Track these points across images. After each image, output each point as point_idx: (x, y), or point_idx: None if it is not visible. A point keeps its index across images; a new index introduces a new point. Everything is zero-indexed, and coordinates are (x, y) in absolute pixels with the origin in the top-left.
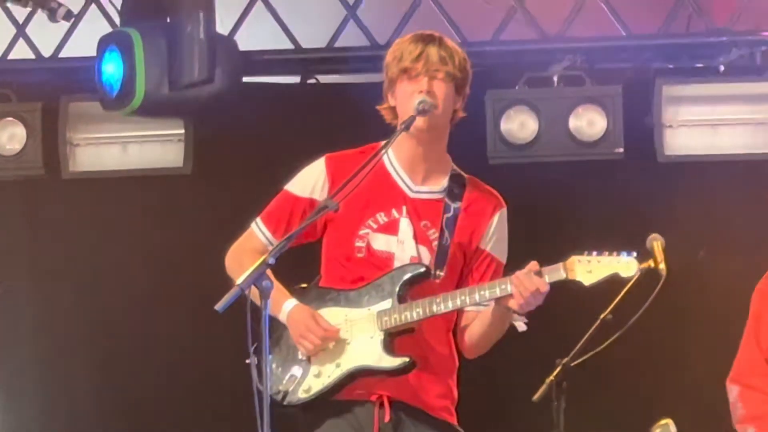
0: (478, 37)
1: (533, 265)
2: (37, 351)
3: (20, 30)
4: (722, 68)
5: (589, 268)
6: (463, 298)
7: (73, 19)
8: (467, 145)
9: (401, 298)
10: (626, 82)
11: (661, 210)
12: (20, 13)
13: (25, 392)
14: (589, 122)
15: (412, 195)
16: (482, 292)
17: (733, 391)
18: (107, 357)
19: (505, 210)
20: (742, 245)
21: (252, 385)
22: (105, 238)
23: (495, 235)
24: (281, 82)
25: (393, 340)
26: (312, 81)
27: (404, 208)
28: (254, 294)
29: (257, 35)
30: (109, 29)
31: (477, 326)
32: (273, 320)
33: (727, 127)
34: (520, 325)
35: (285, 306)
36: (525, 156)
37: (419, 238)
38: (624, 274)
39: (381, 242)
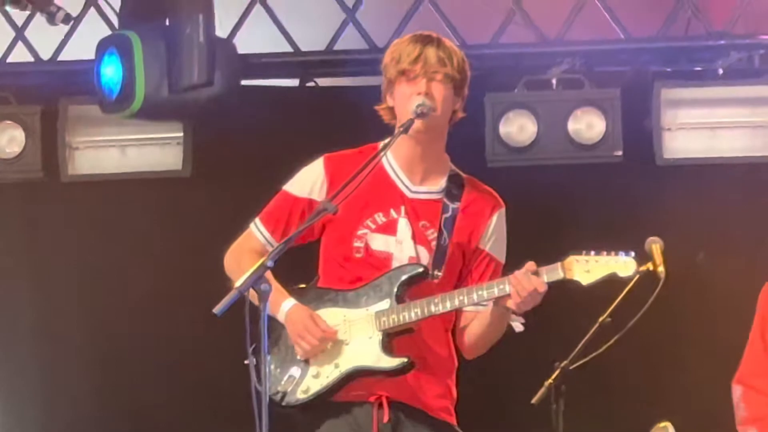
0: (477, 40)
1: (530, 265)
2: (37, 353)
3: (19, 33)
4: (721, 71)
5: (587, 268)
6: (461, 298)
7: (71, 22)
8: (466, 148)
9: (399, 299)
10: (625, 85)
11: (660, 213)
12: (19, 16)
13: (24, 394)
14: (587, 125)
15: (410, 195)
16: (480, 292)
17: (737, 391)
18: (106, 359)
19: (503, 210)
20: (740, 248)
21: (251, 386)
22: (104, 241)
23: (494, 235)
24: (280, 85)
25: (391, 340)
26: (311, 84)
27: (403, 209)
28: (253, 295)
29: (256, 38)
30: (108, 32)
31: (476, 326)
32: (272, 320)
33: (725, 130)
34: (517, 326)
35: (283, 306)
36: (524, 159)
37: (418, 238)
38: (622, 273)
39: (379, 242)
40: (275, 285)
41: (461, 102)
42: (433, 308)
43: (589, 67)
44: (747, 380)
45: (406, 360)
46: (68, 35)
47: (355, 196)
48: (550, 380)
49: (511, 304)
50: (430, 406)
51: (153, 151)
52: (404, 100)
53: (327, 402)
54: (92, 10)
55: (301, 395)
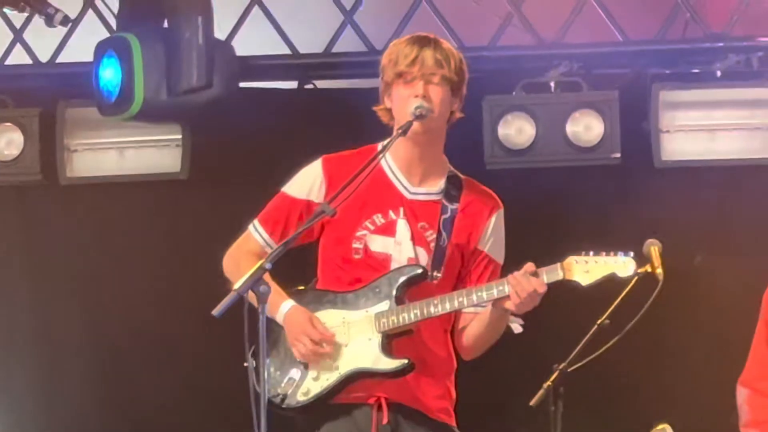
0: (476, 43)
1: (529, 266)
2: (36, 355)
3: (17, 35)
4: (719, 73)
5: (586, 269)
6: (460, 299)
7: (70, 25)
8: (465, 151)
9: (399, 300)
10: (623, 88)
11: (658, 215)
12: (17, 18)
13: (23, 397)
14: (586, 127)
15: (409, 196)
16: (480, 294)
17: (741, 394)
18: (105, 361)
19: (502, 211)
20: (739, 250)
21: (252, 388)
22: (103, 243)
23: (492, 236)
24: (278, 88)
25: (391, 342)
26: (309, 86)
27: (401, 210)
28: (252, 297)
29: (254, 40)
30: (107, 35)
31: (474, 327)
32: (271, 322)
33: (723, 132)
34: (516, 327)
35: (282, 307)
36: (522, 161)
37: (416, 239)
38: (621, 274)
39: (378, 244)
40: (274, 287)
41: (459, 102)
42: (432, 309)
43: (587, 69)
44: (752, 383)
45: (406, 361)
46: (66, 38)
47: (353, 197)
48: (548, 382)
49: (510, 305)
50: (429, 408)
51: (151, 153)
52: (402, 103)
53: (327, 404)
54: (90, 12)
55: (301, 397)
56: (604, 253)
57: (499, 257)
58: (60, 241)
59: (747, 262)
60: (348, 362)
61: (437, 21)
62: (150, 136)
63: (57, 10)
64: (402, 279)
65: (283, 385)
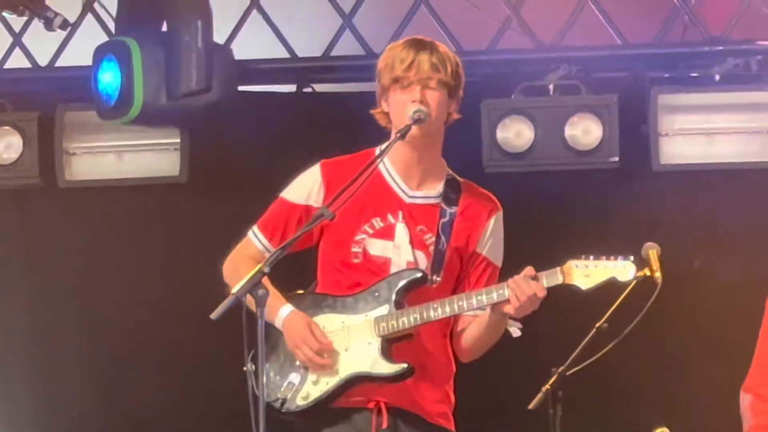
0: (474, 47)
1: (529, 270)
2: (34, 358)
3: (17, 39)
4: (717, 77)
5: (586, 273)
6: (460, 303)
7: (69, 29)
8: (463, 154)
9: (398, 304)
10: (622, 91)
11: (657, 219)
12: (16, 22)
13: (22, 399)
14: (584, 131)
15: (407, 200)
16: (480, 297)
17: (745, 400)
18: (104, 364)
19: (500, 213)
20: (738, 254)
21: (250, 392)
22: (101, 247)
23: (491, 238)
24: (277, 91)
25: (390, 346)
26: (308, 90)
27: (400, 213)
28: (250, 301)
29: (253, 44)
30: (106, 39)
31: (473, 330)
32: (270, 327)
33: (722, 135)
34: (515, 331)
35: (281, 312)
36: (521, 165)
37: (415, 242)
38: (621, 278)
39: (377, 247)
40: (272, 291)
41: (456, 104)
42: (432, 313)
43: (586, 73)
44: (755, 389)
45: (405, 366)
46: (65, 41)
47: (352, 201)
48: (547, 386)
49: (509, 308)
50: (428, 412)
51: (150, 157)
52: (399, 108)
53: (326, 408)
54: (89, 16)
55: (300, 402)
56: (604, 258)
57: (498, 260)
58: (59, 244)
59: (746, 266)
60: (347, 366)
61: (436, 24)
62: (148, 140)
63: (56, 14)
64: (401, 283)
65: (282, 389)
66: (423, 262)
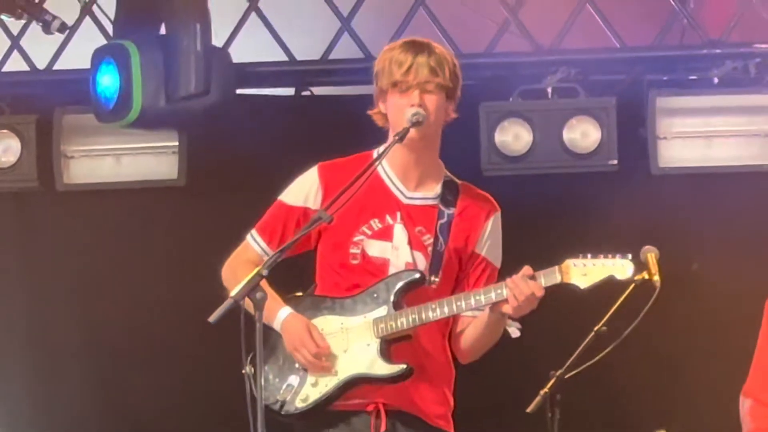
0: (473, 49)
1: (527, 269)
2: (33, 361)
3: (15, 42)
4: (716, 80)
5: (584, 272)
6: (459, 303)
7: (67, 32)
8: (461, 157)
9: (397, 305)
10: (620, 94)
11: (656, 222)
12: (15, 25)
13: (21, 402)
14: (583, 134)
15: (405, 201)
16: (478, 297)
17: (744, 404)
18: (103, 366)
19: (499, 214)
20: (736, 257)
21: (248, 395)
22: (99, 250)
23: (490, 239)
24: (275, 94)
25: (389, 347)
26: (306, 93)
27: (398, 214)
28: (249, 304)
29: (251, 47)
30: (104, 42)
31: (472, 331)
32: (269, 329)
33: (721, 138)
34: (514, 331)
35: (279, 315)
36: (519, 168)
37: (414, 243)
38: (620, 276)
39: (376, 249)
40: (271, 293)
41: (453, 104)
42: (430, 314)
43: (584, 76)
44: (756, 393)
45: (404, 366)
46: (63, 44)
47: (350, 202)
48: (545, 389)
49: (507, 308)
50: (427, 414)
51: (148, 160)
52: (398, 111)
53: (325, 411)
54: (87, 19)
55: (300, 404)
56: (602, 256)
57: (497, 261)
58: (57, 247)
59: (744, 269)
60: (347, 368)
61: (434, 27)
62: (147, 143)
63: (54, 17)
64: (400, 284)
65: (281, 391)
66: (422, 262)
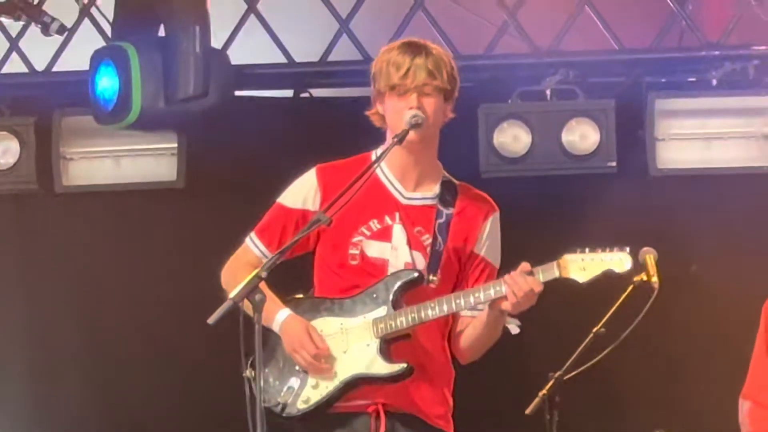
0: (471, 51)
1: (525, 265)
2: (32, 363)
3: (13, 44)
4: (715, 82)
5: (582, 266)
6: (458, 301)
7: (66, 34)
8: (460, 159)
9: (396, 305)
10: (619, 96)
11: (654, 223)
12: (13, 27)
13: (20, 404)
14: (581, 136)
15: (404, 201)
16: (477, 295)
17: (743, 407)
18: (102, 369)
19: (497, 214)
20: (735, 259)
21: (247, 398)
22: (99, 252)
23: (488, 239)
24: (274, 96)
25: (389, 346)
26: (305, 95)
27: (397, 215)
28: (248, 306)
29: (250, 49)
30: (103, 43)
31: (471, 330)
32: (268, 331)
33: (719, 140)
34: (513, 328)
35: (278, 317)
36: (518, 169)
37: (413, 243)
38: (618, 270)
39: (375, 249)
40: (270, 295)
41: (451, 104)
42: (430, 312)
43: (583, 77)
44: (754, 396)
45: (405, 365)
46: (62, 46)
47: (349, 204)
48: (544, 391)
49: (507, 305)
50: (427, 414)
51: (147, 162)
52: (396, 114)
53: (326, 413)
54: (86, 21)
55: (301, 405)
56: (599, 250)
57: (496, 261)
58: (56, 249)
59: (743, 271)
60: (347, 369)
61: (432, 29)
62: (146, 145)
63: (53, 19)
64: (398, 283)
65: (282, 394)
66: (421, 262)
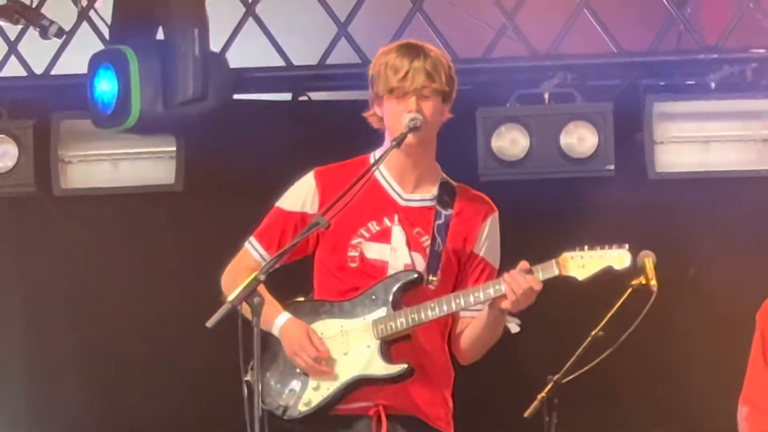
0: (469, 54)
1: (524, 264)
2: (31, 366)
3: (12, 47)
4: (713, 85)
5: (581, 263)
6: (457, 300)
7: (64, 37)
8: (458, 162)
9: (395, 306)
10: (617, 99)
11: (652, 227)
12: (12, 30)
13: (19, 407)
14: (579, 139)
15: (402, 203)
16: (476, 294)
17: (742, 411)
18: (101, 371)
19: (496, 214)
20: (733, 262)
21: (247, 402)
22: (96, 255)
23: (488, 240)
24: (272, 99)
25: (389, 347)
26: (303, 98)
27: (396, 216)
28: (247, 309)
29: (249, 52)
30: (101, 47)
31: (471, 331)
32: (269, 335)
33: (717, 143)
34: (513, 327)
35: (277, 321)
36: (516, 173)
37: (412, 245)
38: (617, 266)
39: (374, 251)
40: (269, 299)
41: (449, 106)
42: (429, 313)
43: (581, 81)
44: (752, 400)
45: (405, 366)
46: (61, 49)
47: (348, 206)
48: (543, 393)
49: (506, 304)
50: (427, 415)
51: (146, 165)
52: (394, 117)
53: (327, 415)
54: (85, 24)
55: (303, 408)
56: (598, 247)
57: (496, 261)
58: (54, 252)
59: (741, 274)
60: (348, 370)
61: (431, 32)
62: (144, 148)
63: (51, 22)
64: (398, 285)
65: (284, 396)
66: (420, 263)
